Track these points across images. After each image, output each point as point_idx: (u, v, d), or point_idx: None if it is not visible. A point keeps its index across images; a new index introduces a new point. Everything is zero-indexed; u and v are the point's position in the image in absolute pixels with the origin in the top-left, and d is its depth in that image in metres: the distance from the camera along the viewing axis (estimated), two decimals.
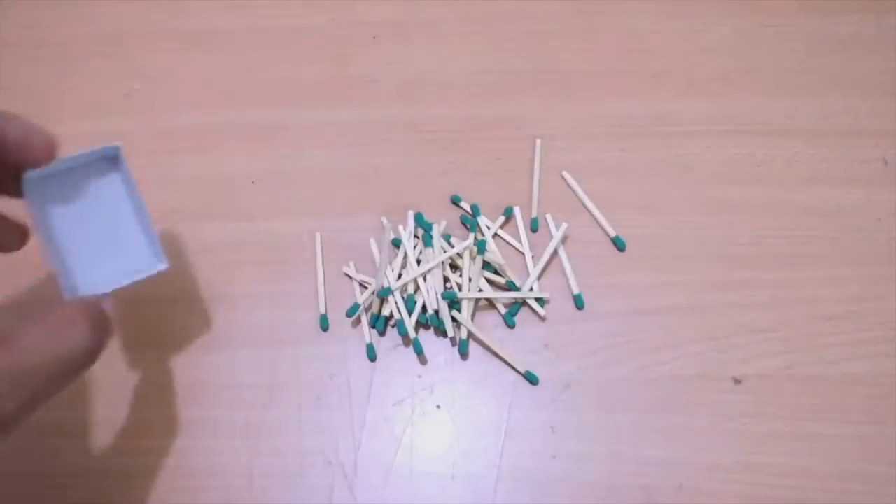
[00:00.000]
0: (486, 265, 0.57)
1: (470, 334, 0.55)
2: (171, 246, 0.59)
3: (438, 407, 0.54)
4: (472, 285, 0.55)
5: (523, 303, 0.56)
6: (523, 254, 0.58)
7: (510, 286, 0.56)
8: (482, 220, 0.59)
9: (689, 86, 0.65)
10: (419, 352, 0.54)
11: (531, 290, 0.56)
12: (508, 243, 0.59)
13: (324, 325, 0.56)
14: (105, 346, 0.42)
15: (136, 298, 0.57)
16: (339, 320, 0.56)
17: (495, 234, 0.59)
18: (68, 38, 0.69)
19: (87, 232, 0.47)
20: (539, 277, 0.57)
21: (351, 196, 0.61)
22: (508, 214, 0.60)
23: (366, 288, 0.57)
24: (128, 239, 0.48)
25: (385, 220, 0.59)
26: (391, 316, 0.55)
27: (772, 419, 0.52)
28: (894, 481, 0.50)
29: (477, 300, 0.56)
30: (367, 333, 0.55)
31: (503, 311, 0.56)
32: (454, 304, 0.55)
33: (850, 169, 0.61)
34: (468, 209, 0.60)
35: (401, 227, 0.58)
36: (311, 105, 0.65)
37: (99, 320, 0.42)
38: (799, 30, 0.67)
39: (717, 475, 0.51)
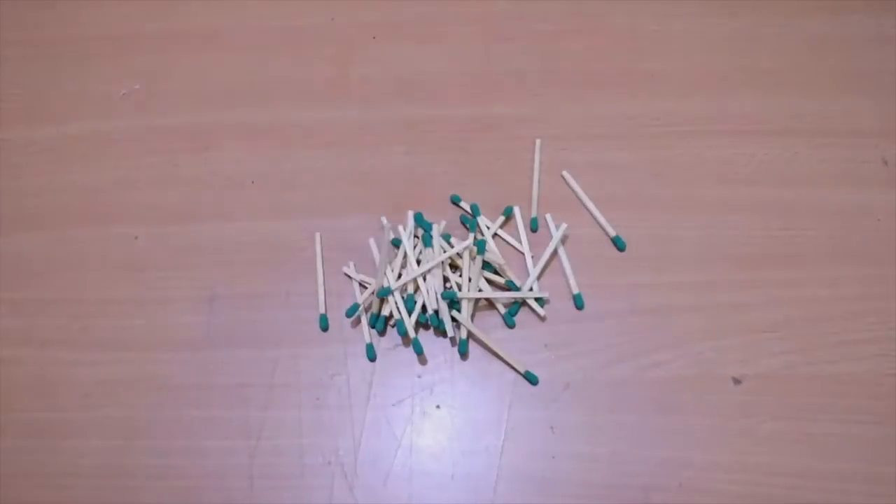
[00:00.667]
0: (486, 265, 0.57)
1: (470, 334, 0.55)
2: (171, 246, 0.60)
3: (438, 407, 0.54)
4: (472, 285, 0.55)
5: (523, 303, 0.56)
6: (523, 254, 0.58)
7: (510, 286, 0.56)
8: (482, 220, 0.59)
9: (689, 86, 0.65)
10: (419, 352, 0.54)
11: (531, 289, 0.56)
12: (508, 243, 0.59)
13: (323, 324, 0.56)
14: None
15: (135, 299, 0.58)
16: (338, 320, 0.56)
17: (495, 234, 0.59)
18: (67, 38, 0.69)
19: None
20: (539, 277, 0.57)
21: (351, 196, 0.61)
22: (508, 214, 0.60)
23: (365, 288, 0.57)
24: None
25: (385, 220, 0.59)
26: (391, 316, 0.56)
27: (772, 419, 0.52)
28: (894, 481, 0.50)
29: (477, 300, 0.56)
30: (366, 333, 0.55)
31: (503, 310, 0.56)
32: (454, 303, 0.55)
33: (850, 169, 0.61)
34: (468, 209, 0.60)
35: (400, 227, 0.58)
36: (311, 105, 0.65)
37: None
38: (799, 30, 0.67)
39: (717, 475, 0.51)
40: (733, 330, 0.55)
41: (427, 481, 0.51)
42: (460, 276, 0.56)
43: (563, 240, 0.59)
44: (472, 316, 0.56)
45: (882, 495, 0.50)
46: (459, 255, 0.56)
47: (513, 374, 0.54)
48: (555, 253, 0.58)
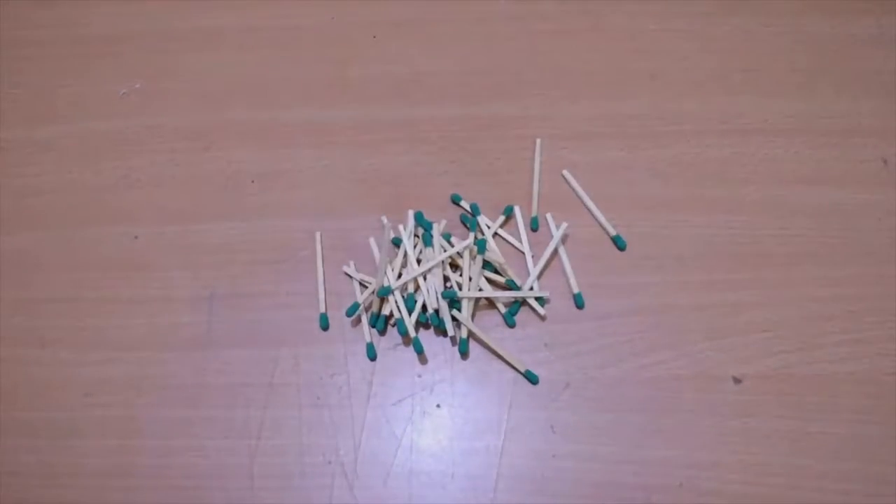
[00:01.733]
0: (487, 264, 0.57)
1: (470, 333, 0.55)
2: (171, 245, 0.60)
3: (438, 406, 0.54)
4: (473, 284, 0.55)
5: (523, 302, 0.56)
6: (523, 253, 0.58)
7: (510, 285, 0.56)
8: (482, 220, 0.59)
9: (688, 86, 0.65)
10: (419, 351, 0.54)
11: (531, 289, 0.56)
12: (508, 242, 0.59)
13: (324, 324, 0.56)
14: None
15: (135, 299, 0.58)
16: (339, 319, 0.56)
17: (495, 234, 0.59)
18: (67, 38, 0.69)
19: None
20: (539, 277, 0.57)
21: (351, 195, 0.61)
22: (508, 214, 0.60)
23: (366, 287, 0.57)
24: None
25: (385, 220, 0.59)
26: (391, 315, 0.55)
27: (771, 418, 0.52)
28: (892, 480, 0.50)
29: (477, 299, 0.56)
30: (367, 332, 0.55)
31: (503, 310, 0.56)
32: (454, 303, 0.55)
33: (849, 169, 0.61)
34: (468, 208, 0.60)
35: (401, 227, 0.58)
36: (311, 105, 0.65)
37: None
38: (799, 30, 0.67)
39: (718, 474, 0.51)
40: (733, 329, 0.55)
41: (427, 480, 0.51)
42: (460, 275, 0.56)
43: (564, 239, 0.59)
44: (473, 315, 0.56)
45: (882, 495, 0.50)
46: (460, 254, 0.56)
47: (513, 374, 0.54)
48: (555, 252, 0.58)
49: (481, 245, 0.55)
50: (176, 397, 0.54)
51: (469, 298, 0.55)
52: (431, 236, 0.56)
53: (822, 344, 0.54)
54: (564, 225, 0.58)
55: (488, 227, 0.59)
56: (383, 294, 0.55)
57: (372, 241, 0.59)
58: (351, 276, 0.58)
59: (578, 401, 0.53)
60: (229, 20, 0.70)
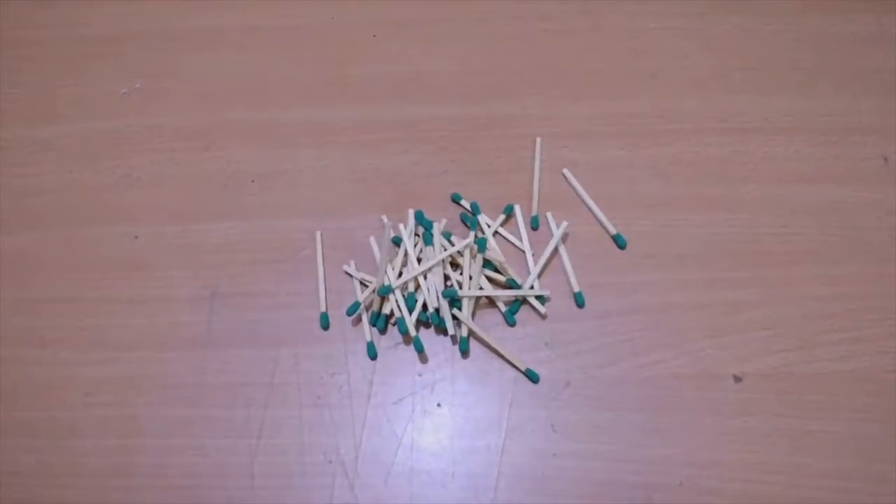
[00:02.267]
0: (487, 263, 0.57)
1: (470, 332, 0.55)
2: (171, 245, 0.60)
3: (439, 405, 0.53)
4: (473, 283, 0.55)
5: (524, 301, 0.56)
6: (524, 252, 0.58)
7: (511, 284, 0.56)
8: (482, 219, 0.59)
9: (688, 84, 0.65)
10: (420, 350, 0.54)
11: (532, 288, 0.56)
12: (509, 241, 0.59)
13: (324, 323, 0.56)
14: None
15: (135, 298, 0.58)
16: (339, 319, 0.56)
17: (496, 233, 0.59)
18: (67, 38, 0.69)
19: None
20: (539, 275, 0.57)
21: (351, 195, 0.61)
22: (509, 212, 0.60)
23: (366, 286, 0.57)
24: None
25: (385, 219, 0.59)
26: (392, 314, 0.55)
27: (771, 417, 0.52)
28: (892, 479, 0.50)
29: (477, 298, 0.56)
30: (367, 332, 0.55)
31: (504, 309, 0.56)
32: (455, 302, 0.55)
33: (850, 167, 0.61)
34: (468, 207, 0.60)
35: (401, 226, 0.58)
36: (311, 105, 0.65)
37: None
38: (799, 28, 0.68)
39: (717, 473, 0.51)
40: (734, 328, 0.55)
41: (428, 479, 0.51)
42: (461, 274, 0.56)
43: (564, 238, 0.59)
44: (473, 314, 0.56)
45: (882, 493, 0.50)
46: (460, 253, 0.56)
47: (513, 373, 0.54)
48: (555, 251, 0.58)
49: (482, 244, 0.55)
50: (176, 397, 0.54)
51: (469, 297, 0.55)
52: (432, 235, 0.56)
53: (822, 342, 0.54)
54: (565, 224, 0.58)
55: (488, 226, 0.59)
56: (384, 293, 0.55)
57: (372, 240, 0.59)
58: (351, 276, 0.58)
59: (579, 399, 0.53)
60: (229, 20, 0.70)
